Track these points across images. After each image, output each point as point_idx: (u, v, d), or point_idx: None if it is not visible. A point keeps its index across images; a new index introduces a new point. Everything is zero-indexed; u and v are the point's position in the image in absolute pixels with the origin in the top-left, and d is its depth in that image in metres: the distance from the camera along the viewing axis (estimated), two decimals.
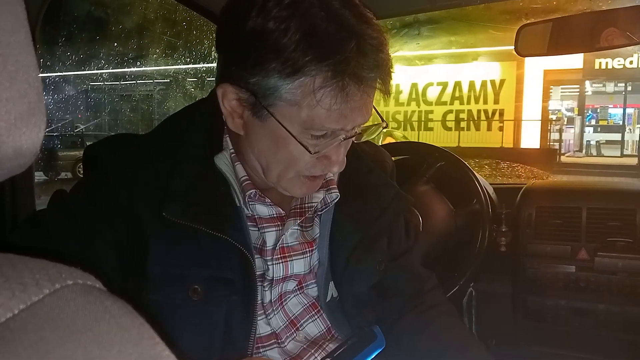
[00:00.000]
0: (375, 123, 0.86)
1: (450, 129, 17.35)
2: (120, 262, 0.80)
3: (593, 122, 20.41)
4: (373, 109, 0.82)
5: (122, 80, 20.02)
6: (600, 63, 17.33)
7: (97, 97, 20.05)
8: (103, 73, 19.15)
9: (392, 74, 0.78)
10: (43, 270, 0.32)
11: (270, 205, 0.88)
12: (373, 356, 0.83)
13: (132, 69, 19.12)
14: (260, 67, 0.73)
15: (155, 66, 19.18)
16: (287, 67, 0.71)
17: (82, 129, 16.44)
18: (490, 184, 1.83)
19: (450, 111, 17.41)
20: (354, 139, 0.83)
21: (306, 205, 0.91)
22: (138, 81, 19.93)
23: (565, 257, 1.62)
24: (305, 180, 0.83)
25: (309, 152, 0.77)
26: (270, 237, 0.87)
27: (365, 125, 0.82)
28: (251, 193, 0.84)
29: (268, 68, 0.72)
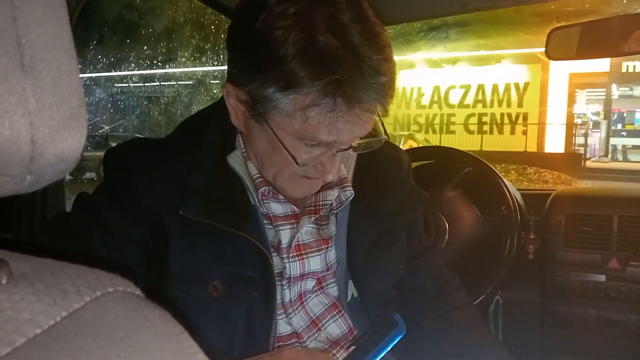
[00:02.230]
0: (379, 138, 0.84)
1: (472, 132, 17.18)
2: (145, 260, 0.81)
3: (619, 126, 20.02)
4: (378, 120, 0.81)
5: (147, 81, 20.32)
6: (627, 66, 17.03)
7: (122, 98, 20.38)
8: (130, 75, 19.46)
9: (393, 94, 0.75)
10: (82, 276, 0.32)
11: (284, 203, 0.88)
12: (395, 343, 0.83)
13: (158, 71, 19.38)
14: (258, 75, 0.73)
15: (182, 68, 19.42)
16: (282, 80, 0.71)
17: (106, 130, 16.71)
18: (518, 189, 1.80)
19: (473, 114, 17.24)
20: (351, 151, 0.82)
21: (320, 203, 0.91)
22: (162, 83, 20.20)
23: (596, 266, 1.59)
24: (301, 179, 0.83)
25: (297, 163, 0.76)
26: (285, 235, 0.87)
27: (367, 138, 0.81)
28: (264, 190, 0.85)
29: (265, 78, 0.72)
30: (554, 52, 1.51)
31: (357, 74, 0.70)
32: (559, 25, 1.53)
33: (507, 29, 14.11)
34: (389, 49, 0.75)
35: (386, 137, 0.86)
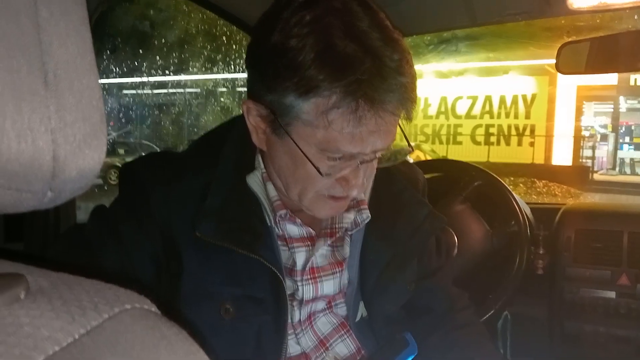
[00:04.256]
0: (402, 147, 0.83)
1: (479, 143, 17.14)
2: (157, 276, 0.81)
3: (627, 139, 19.94)
4: (400, 132, 0.80)
5: (157, 88, 20.45)
6: (635, 79, 16.98)
7: (130, 104, 20.50)
8: (141, 83, 19.63)
9: (415, 97, 0.74)
10: (100, 293, 0.32)
11: (300, 225, 0.87)
12: None
13: (169, 78, 19.51)
14: (278, 84, 0.72)
15: (193, 76, 19.57)
16: (301, 86, 0.70)
17: (113, 137, 16.80)
18: (527, 204, 1.79)
19: (480, 125, 17.22)
20: (375, 164, 0.81)
21: (337, 226, 0.90)
22: (172, 90, 20.33)
23: (606, 282, 1.57)
24: (327, 200, 0.81)
25: (320, 173, 0.75)
26: (300, 257, 0.86)
27: (391, 149, 0.80)
28: (282, 213, 0.84)
29: (284, 86, 0.72)
30: (564, 66, 1.51)
31: (378, 74, 0.69)
32: (569, 40, 1.53)
33: (517, 42, 14.08)
34: (408, 54, 0.74)
35: (411, 148, 0.85)
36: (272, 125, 0.77)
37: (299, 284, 0.85)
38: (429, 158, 11.97)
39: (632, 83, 17.16)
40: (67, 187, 0.31)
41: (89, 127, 0.31)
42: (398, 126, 0.78)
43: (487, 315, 1.53)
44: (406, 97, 0.72)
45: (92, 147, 0.31)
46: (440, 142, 17.65)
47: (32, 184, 0.29)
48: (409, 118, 0.77)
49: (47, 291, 0.31)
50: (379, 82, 0.69)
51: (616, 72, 1.63)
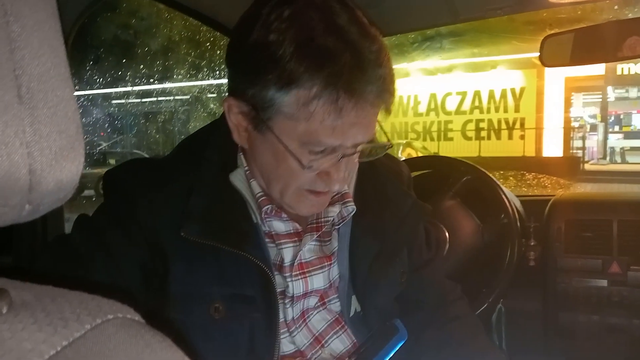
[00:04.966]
0: (381, 142, 0.85)
1: (470, 138, 17.22)
2: (145, 282, 0.81)
3: (617, 128, 20.10)
4: (380, 129, 0.81)
5: (143, 97, 20.40)
6: (622, 69, 17.14)
7: (119, 114, 20.44)
8: (127, 92, 19.59)
9: (394, 90, 0.76)
10: (83, 304, 0.32)
11: (287, 220, 0.88)
12: (397, 349, 0.83)
13: (154, 86, 19.49)
14: (259, 78, 0.73)
15: (178, 83, 19.55)
16: (282, 78, 0.71)
17: (104, 147, 16.73)
18: (517, 196, 1.80)
19: (470, 121, 17.30)
20: (355, 158, 0.82)
21: (322, 219, 0.90)
22: (160, 98, 20.29)
23: (597, 271, 1.59)
24: (309, 196, 0.82)
25: (302, 165, 0.76)
26: (287, 253, 0.87)
27: (371, 144, 0.81)
28: (267, 208, 0.84)
29: (265, 79, 0.73)
30: (548, 59, 1.52)
31: (357, 66, 0.70)
32: (552, 32, 1.54)
33: (500, 37, 14.27)
34: (386, 48, 0.75)
35: (390, 143, 0.86)
36: (254, 122, 0.78)
37: (289, 280, 0.86)
38: (420, 155, 12.02)
39: (619, 72, 17.30)
40: (45, 200, 0.31)
41: (65, 139, 0.31)
42: (377, 121, 0.80)
43: (481, 309, 1.54)
44: (385, 89, 0.74)
45: (69, 159, 0.31)
46: (432, 139, 17.73)
47: (9, 198, 0.29)
48: (387, 111, 0.78)
49: (30, 304, 0.31)
50: (359, 73, 0.70)
51: (601, 62, 1.63)
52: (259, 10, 0.75)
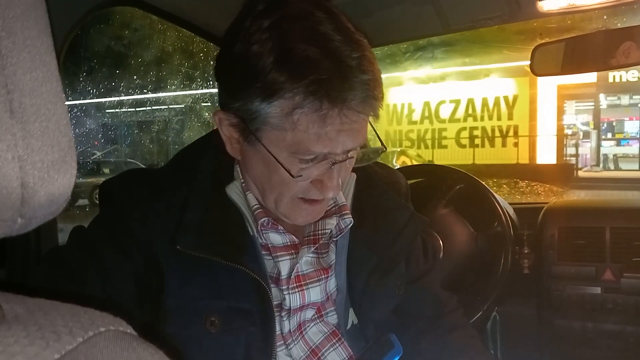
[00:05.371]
0: (374, 147, 0.85)
1: (464, 146, 17.29)
2: (140, 295, 0.80)
3: (609, 135, 20.23)
4: (373, 132, 0.81)
5: (137, 106, 20.41)
6: (614, 76, 17.27)
7: (113, 123, 20.41)
8: (121, 102, 19.62)
9: (380, 96, 0.75)
10: (75, 317, 0.32)
11: (283, 233, 0.87)
12: None
13: (147, 96, 19.50)
14: (243, 91, 0.74)
15: (171, 92, 19.59)
16: (264, 90, 0.71)
17: (98, 156, 16.66)
18: (510, 204, 1.81)
19: (464, 128, 17.38)
20: (349, 164, 0.82)
21: (319, 232, 0.90)
22: (154, 107, 20.29)
23: (591, 279, 1.59)
24: (304, 205, 0.82)
25: (292, 175, 0.75)
26: (284, 266, 0.86)
27: (363, 149, 0.81)
28: (264, 221, 0.83)
29: (249, 92, 0.73)
30: (539, 68, 1.53)
31: (338, 72, 0.70)
32: (543, 41, 1.55)
33: (491, 47, 14.42)
34: (370, 53, 0.75)
35: (383, 147, 0.85)
36: (244, 133, 0.78)
37: (285, 292, 0.85)
38: (415, 163, 12.05)
39: (610, 80, 17.44)
40: (38, 213, 0.31)
41: (57, 153, 0.31)
42: (370, 125, 0.79)
43: (476, 317, 1.54)
44: (369, 95, 0.73)
45: (61, 172, 0.31)
46: (426, 147, 17.78)
47: (1, 212, 0.29)
48: (375, 116, 0.77)
49: (22, 318, 0.31)
50: (339, 80, 0.70)
51: (593, 71, 1.64)
52: (242, 21, 0.75)
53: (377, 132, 0.85)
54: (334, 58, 0.70)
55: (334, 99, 0.70)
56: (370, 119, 0.78)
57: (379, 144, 0.86)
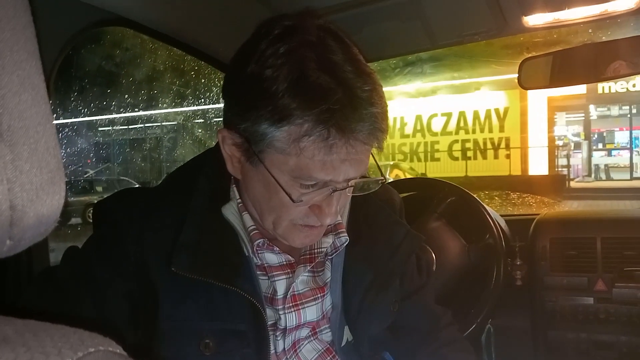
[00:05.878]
0: (375, 178, 0.85)
1: (457, 158, 17.37)
2: (133, 316, 0.80)
3: (600, 146, 20.40)
4: (374, 162, 0.81)
5: (129, 124, 20.40)
6: (603, 88, 17.45)
7: (105, 142, 20.37)
8: (113, 120, 19.62)
9: (386, 128, 0.76)
10: (64, 337, 0.32)
11: (279, 253, 0.87)
12: None
13: (139, 113, 19.53)
14: (252, 112, 0.74)
15: (162, 111, 19.64)
16: (275, 114, 0.71)
17: (91, 174, 16.59)
18: (502, 216, 1.82)
19: (456, 141, 17.47)
20: (348, 192, 0.82)
21: (315, 250, 0.90)
22: (146, 125, 20.29)
23: (583, 289, 1.59)
24: (302, 228, 0.82)
25: (292, 200, 0.76)
26: (280, 286, 0.86)
27: (363, 179, 0.81)
28: (259, 242, 0.83)
29: (259, 114, 0.73)
30: (527, 81, 1.54)
31: (349, 104, 0.71)
32: (530, 55, 1.57)
33: (479, 61, 14.58)
34: (380, 86, 0.76)
35: (383, 179, 0.86)
36: (247, 154, 0.78)
37: (281, 312, 0.85)
38: (408, 176, 12.07)
39: (600, 91, 17.62)
40: (27, 235, 0.31)
41: (46, 175, 0.31)
42: (372, 157, 0.80)
43: (470, 330, 1.53)
44: (377, 127, 0.74)
45: (50, 193, 0.32)
46: (419, 160, 17.84)
47: None
48: (380, 148, 0.78)
49: (11, 339, 0.31)
50: (350, 111, 0.71)
51: (581, 83, 1.65)
52: (257, 44, 0.75)
53: (377, 161, 0.86)
54: (347, 89, 0.71)
55: (343, 129, 0.71)
56: (373, 150, 0.79)
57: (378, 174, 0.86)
